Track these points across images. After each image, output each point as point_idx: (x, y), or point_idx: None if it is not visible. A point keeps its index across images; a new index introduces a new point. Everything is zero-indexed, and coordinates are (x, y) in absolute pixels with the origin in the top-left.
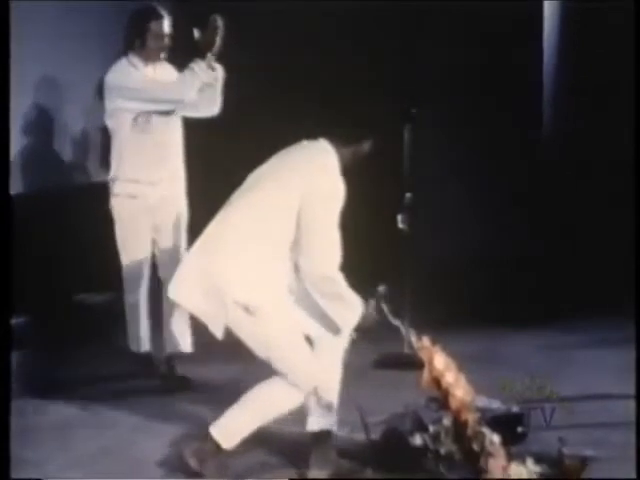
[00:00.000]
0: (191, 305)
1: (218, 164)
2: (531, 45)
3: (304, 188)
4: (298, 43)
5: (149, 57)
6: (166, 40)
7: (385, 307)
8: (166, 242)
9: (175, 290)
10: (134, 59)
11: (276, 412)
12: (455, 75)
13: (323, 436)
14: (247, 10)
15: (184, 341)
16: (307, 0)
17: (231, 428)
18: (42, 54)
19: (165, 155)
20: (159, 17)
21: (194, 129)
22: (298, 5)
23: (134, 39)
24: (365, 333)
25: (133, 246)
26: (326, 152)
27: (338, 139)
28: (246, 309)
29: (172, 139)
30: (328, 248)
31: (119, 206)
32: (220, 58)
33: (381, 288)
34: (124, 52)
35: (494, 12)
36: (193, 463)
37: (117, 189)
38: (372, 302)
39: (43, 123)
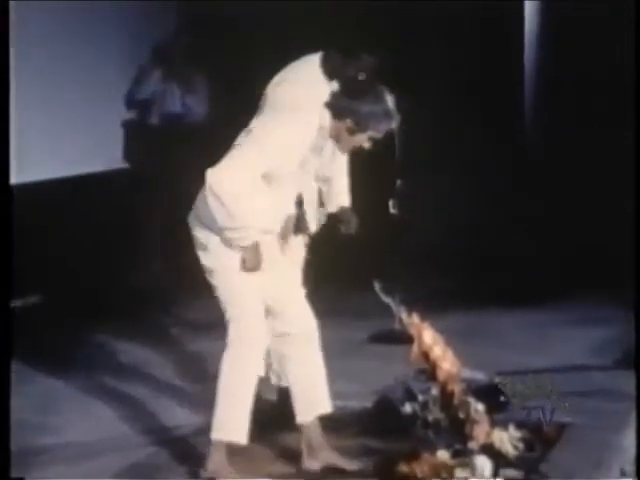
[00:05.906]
0: None
1: None
2: (512, 43)
3: None
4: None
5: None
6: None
7: (378, 286)
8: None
9: None
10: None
11: (250, 382)
12: (440, 72)
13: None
14: None
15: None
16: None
17: (232, 422)
18: (48, 37)
19: None
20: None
21: None
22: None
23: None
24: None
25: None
26: None
27: None
28: None
29: None
30: None
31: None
32: None
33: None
34: None
35: (475, 12)
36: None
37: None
38: None
39: (49, 110)
